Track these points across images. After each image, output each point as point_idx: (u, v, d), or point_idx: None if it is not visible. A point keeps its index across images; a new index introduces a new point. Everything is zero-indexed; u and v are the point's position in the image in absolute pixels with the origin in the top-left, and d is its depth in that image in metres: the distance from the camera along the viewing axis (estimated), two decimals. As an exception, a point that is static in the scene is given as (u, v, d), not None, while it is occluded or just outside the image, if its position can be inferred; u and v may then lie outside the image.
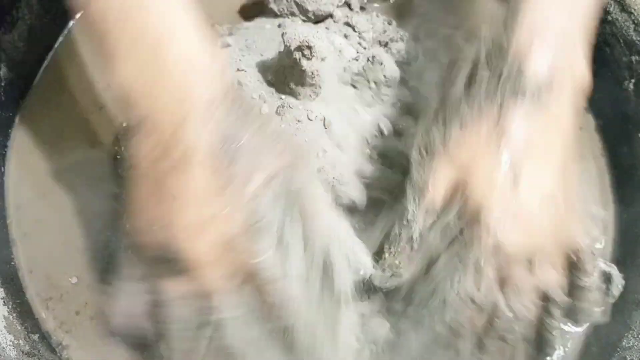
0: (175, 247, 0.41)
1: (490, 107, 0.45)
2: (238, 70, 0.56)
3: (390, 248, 0.47)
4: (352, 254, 0.47)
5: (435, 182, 0.46)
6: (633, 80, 0.60)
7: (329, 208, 0.48)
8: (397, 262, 0.46)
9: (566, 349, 0.56)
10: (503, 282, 0.44)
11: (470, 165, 0.45)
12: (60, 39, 0.64)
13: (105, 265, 0.56)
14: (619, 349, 0.54)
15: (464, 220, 0.44)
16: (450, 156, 0.46)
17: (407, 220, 0.46)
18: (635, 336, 0.53)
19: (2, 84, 0.59)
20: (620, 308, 0.57)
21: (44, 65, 0.64)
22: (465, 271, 0.43)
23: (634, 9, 0.59)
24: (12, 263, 0.57)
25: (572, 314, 0.49)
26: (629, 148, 0.61)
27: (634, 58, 0.59)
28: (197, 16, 0.44)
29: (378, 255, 0.48)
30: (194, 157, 0.41)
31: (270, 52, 0.57)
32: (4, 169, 0.60)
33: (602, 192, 0.62)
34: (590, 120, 0.65)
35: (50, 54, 0.64)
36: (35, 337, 0.54)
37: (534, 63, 0.46)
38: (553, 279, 0.46)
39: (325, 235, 0.45)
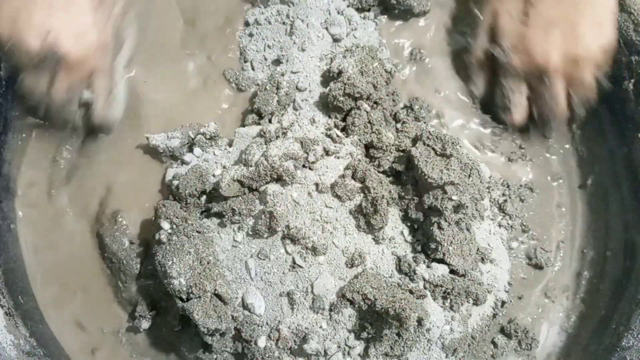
0: (58, 48, 0.53)
1: None
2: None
3: None
4: None
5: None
6: (633, 81, 0.60)
7: None
8: None
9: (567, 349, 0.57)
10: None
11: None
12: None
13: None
14: (619, 349, 0.54)
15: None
16: None
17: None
18: (635, 336, 0.54)
19: (2, 83, 0.59)
20: (620, 308, 0.57)
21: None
22: None
23: (634, 9, 0.59)
24: (13, 264, 0.57)
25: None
26: (628, 149, 0.61)
27: (633, 58, 0.59)
28: None
29: None
30: None
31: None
32: (2, 168, 0.60)
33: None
34: (590, 121, 0.65)
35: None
36: (36, 337, 0.54)
37: None
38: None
39: None
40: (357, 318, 0.51)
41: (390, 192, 0.54)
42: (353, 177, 0.54)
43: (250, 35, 0.63)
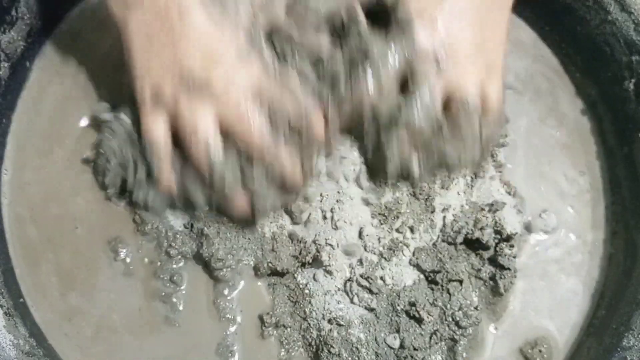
0: (199, 76, 0.49)
1: None
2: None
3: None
4: None
5: None
6: (633, 80, 0.60)
7: None
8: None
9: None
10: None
11: None
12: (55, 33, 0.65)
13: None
14: (619, 349, 0.54)
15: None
16: None
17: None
18: (635, 336, 0.53)
19: (2, 82, 0.59)
20: (620, 308, 0.57)
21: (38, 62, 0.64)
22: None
23: (634, 9, 0.59)
24: (11, 264, 0.57)
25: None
26: (629, 148, 0.61)
27: (634, 58, 0.59)
28: None
29: None
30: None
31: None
32: (1, 169, 0.60)
33: (599, 190, 0.63)
34: (591, 120, 0.65)
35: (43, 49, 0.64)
36: (35, 337, 0.54)
37: None
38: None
39: None
40: None
41: None
42: None
43: None
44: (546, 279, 0.59)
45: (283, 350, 0.55)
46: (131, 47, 0.50)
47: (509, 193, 0.60)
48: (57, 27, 0.64)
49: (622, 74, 0.61)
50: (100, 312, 0.56)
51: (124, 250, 0.57)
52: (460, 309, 0.53)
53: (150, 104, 0.51)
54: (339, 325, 0.53)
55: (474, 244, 0.56)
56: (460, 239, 0.55)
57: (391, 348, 0.53)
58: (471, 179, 0.58)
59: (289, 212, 0.55)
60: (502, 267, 0.55)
